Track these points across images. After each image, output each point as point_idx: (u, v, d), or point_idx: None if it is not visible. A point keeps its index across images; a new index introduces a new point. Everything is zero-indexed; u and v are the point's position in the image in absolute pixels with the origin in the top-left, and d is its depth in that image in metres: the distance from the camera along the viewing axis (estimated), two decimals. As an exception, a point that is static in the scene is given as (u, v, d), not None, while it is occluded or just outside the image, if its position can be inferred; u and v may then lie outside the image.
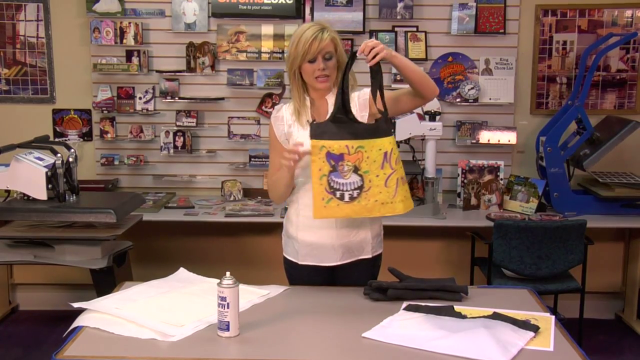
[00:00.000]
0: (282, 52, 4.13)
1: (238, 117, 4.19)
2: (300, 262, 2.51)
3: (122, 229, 3.27)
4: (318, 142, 2.23)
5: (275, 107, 2.55)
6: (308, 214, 2.39)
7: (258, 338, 1.98)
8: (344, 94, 2.28)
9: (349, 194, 2.25)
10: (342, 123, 2.27)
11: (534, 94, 4.26)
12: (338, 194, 2.24)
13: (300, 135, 2.39)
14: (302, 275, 2.52)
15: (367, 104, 2.44)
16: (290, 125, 2.43)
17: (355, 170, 2.25)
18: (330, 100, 2.42)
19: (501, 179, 4.06)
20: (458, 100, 4.20)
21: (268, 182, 2.55)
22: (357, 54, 2.26)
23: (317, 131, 2.24)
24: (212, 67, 4.17)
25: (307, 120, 2.37)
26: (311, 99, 2.45)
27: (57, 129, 4.25)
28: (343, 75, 2.29)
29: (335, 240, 2.45)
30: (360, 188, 2.25)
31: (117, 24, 4.13)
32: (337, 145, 2.23)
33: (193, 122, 4.21)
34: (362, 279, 2.44)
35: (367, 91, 2.44)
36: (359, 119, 2.38)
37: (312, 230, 2.45)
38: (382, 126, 2.28)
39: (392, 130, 2.32)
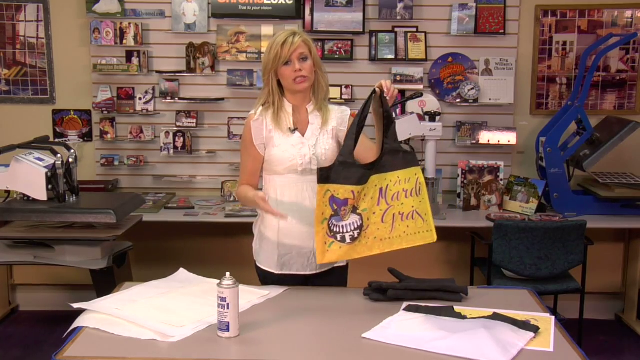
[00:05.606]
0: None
1: (238, 118, 4.18)
2: (276, 272, 2.46)
3: (122, 229, 3.27)
4: (323, 186, 2.17)
5: (251, 112, 2.47)
6: (289, 217, 2.39)
7: (258, 338, 1.98)
8: (357, 137, 2.25)
9: (350, 235, 2.21)
10: (350, 167, 2.20)
11: (533, 94, 4.25)
12: (339, 237, 2.20)
13: (282, 142, 2.40)
14: (273, 284, 2.46)
15: (346, 121, 2.48)
16: (270, 130, 2.41)
17: (354, 210, 2.21)
18: (310, 108, 2.45)
19: (501, 180, 4.06)
20: (458, 100, 4.19)
21: (238, 191, 2.52)
22: (377, 90, 2.24)
23: (323, 175, 2.18)
24: (212, 67, 4.17)
25: (289, 128, 2.40)
26: (293, 106, 2.45)
27: (57, 130, 4.25)
28: (358, 119, 2.24)
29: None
30: (360, 227, 2.21)
31: (117, 25, 4.13)
32: (342, 190, 2.18)
33: (193, 123, 4.21)
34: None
35: (346, 109, 2.51)
36: (336, 132, 2.43)
37: (294, 234, 2.42)
38: (387, 162, 2.25)
39: (400, 164, 2.27)
